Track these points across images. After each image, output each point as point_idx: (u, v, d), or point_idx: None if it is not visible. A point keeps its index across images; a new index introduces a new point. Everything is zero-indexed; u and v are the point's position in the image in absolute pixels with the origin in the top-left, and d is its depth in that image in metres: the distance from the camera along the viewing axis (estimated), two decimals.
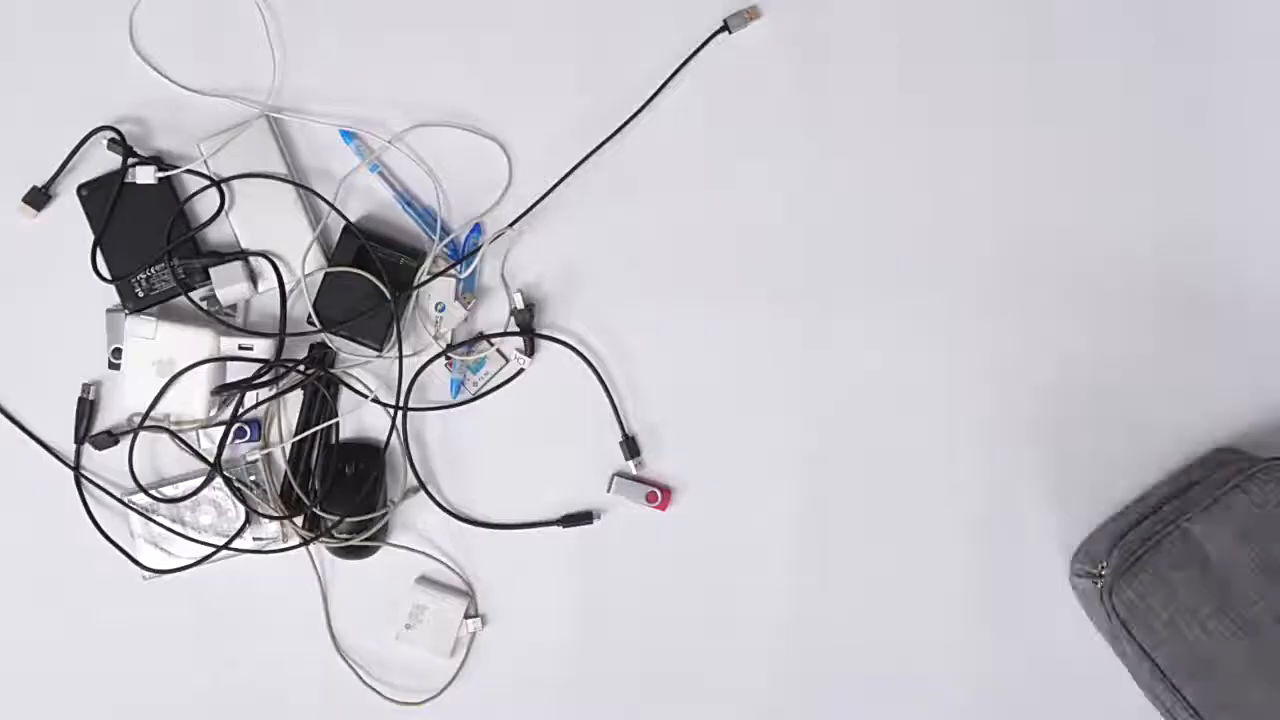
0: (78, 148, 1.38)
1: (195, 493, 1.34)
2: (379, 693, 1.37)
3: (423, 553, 1.38)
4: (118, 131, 1.37)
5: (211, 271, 1.35)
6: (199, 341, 1.34)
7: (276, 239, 1.37)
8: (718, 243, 1.37)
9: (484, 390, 1.37)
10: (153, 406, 1.32)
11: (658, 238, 1.38)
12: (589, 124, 1.38)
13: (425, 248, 1.38)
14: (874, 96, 1.37)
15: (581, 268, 1.38)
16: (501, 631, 1.38)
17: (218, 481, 1.36)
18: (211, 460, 1.32)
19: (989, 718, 1.36)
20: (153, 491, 1.35)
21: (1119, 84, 1.37)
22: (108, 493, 1.38)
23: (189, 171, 1.38)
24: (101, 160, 1.38)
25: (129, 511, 1.36)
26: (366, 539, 1.35)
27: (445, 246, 1.37)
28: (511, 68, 1.38)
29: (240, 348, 1.34)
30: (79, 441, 1.37)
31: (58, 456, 1.38)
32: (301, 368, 1.35)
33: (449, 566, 1.39)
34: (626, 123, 1.37)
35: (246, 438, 1.37)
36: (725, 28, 1.37)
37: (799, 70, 1.38)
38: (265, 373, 1.33)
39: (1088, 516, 1.35)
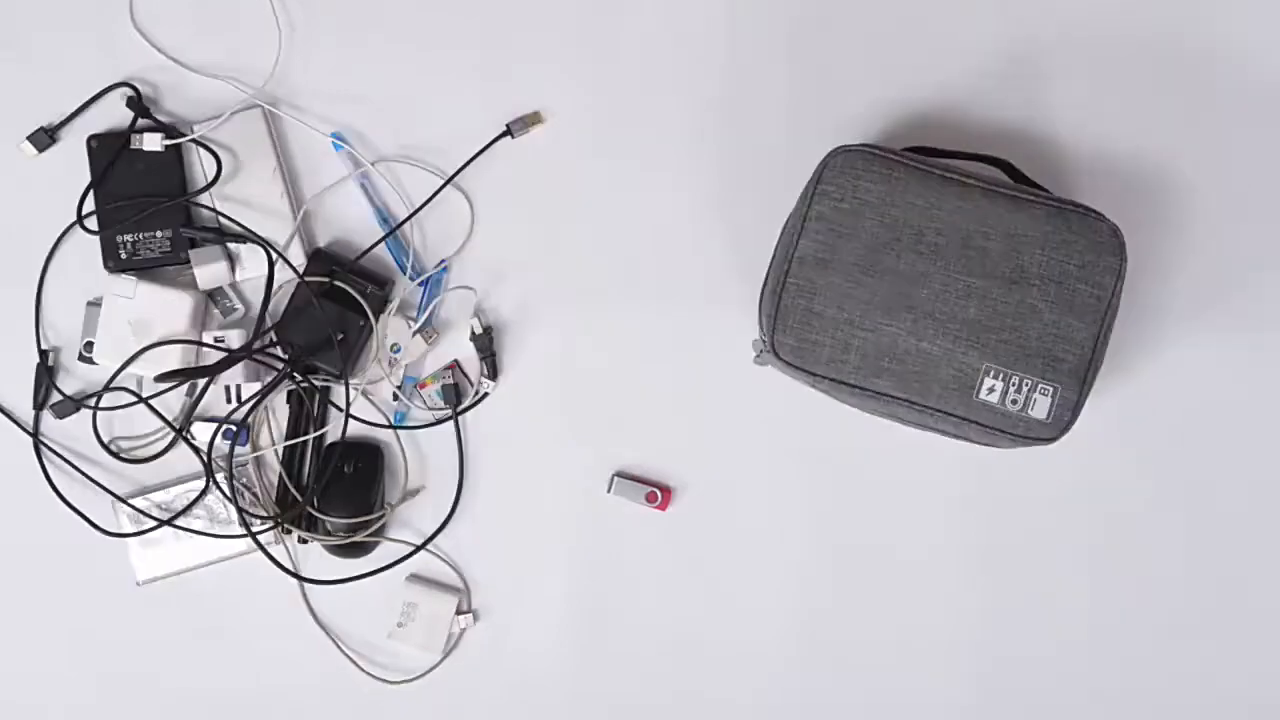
0: (95, 98, 1.37)
1: (192, 505, 1.34)
2: (373, 675, 1.37)
3: (410, 544, 1.36)
4: (136, 90, 1.36)
5: (191, 252, 1.33)
6: (179, 305, 1.32)
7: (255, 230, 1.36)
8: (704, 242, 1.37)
9: (450, 415, 1.36)
10: (119, 372, 1.31)
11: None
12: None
13: (394, 276, 1.37)
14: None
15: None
16: (497, 630, 1.37)
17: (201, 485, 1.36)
18: (178, 426, 1.32)
19: (997, 707, 1.36)
20: (123, 454, 1.35)
21: None
22: (71, 464, 1.37)
23: (195, 143, 1.36)
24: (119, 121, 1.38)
25: (119, 511, 1.36)
26: (363, 538, 1.35)
27: (411, 282, 1.37)
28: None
29: (215, 339, 1.33)
30: (37, 408, 1.36)
31: (16, 423, 1.37)
32: (281, 366, 1.34)
33: (445, 561, 1.37)
34: (429, 199, 1.37)
35: (237, 440, 1.35)
36: (508, 132, 1.37)
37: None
38: (225, 365, 1.30)
39: None
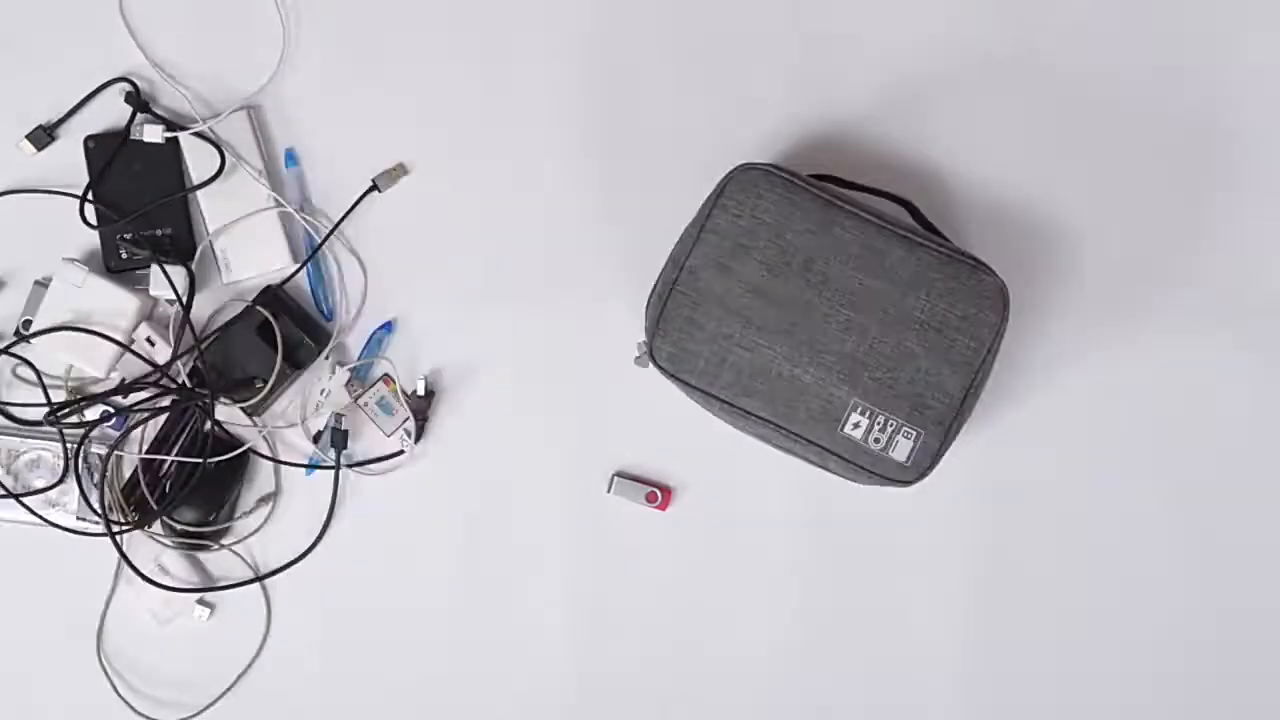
0: (95, 93, 1.36)
1: (55, 484, 1.33)
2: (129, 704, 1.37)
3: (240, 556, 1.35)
4: (134, 85, 1.34)
5: (154, 268, 1.32)
6: (125, 306, 1.31)
7: (241, 236, 1.35)
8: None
9: (362, 462, 1.36)
10: (22, 340, 1.31)
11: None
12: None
13: (332, 330, 1.37)
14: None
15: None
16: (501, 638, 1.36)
17: (58, 449, 1.35)
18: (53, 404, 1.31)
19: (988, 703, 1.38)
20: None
21: None
22: None
23: (197, 136, 1.34)
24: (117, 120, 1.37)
25: None
26: (202, 537, 1.34)
27: (337, 336, 1.37)
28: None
29: (148, 339, 1.32)
30: None
31: None
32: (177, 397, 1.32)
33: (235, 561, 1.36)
34: (309, 259, 1.36)
35: (112, 423, 1.34)
36: (375, 187, 1.36)
37: None
38: (127, 391, 1.30)
39: None
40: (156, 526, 1.34)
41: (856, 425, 1.21)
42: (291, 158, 1.36)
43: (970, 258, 1.22)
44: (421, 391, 1.35)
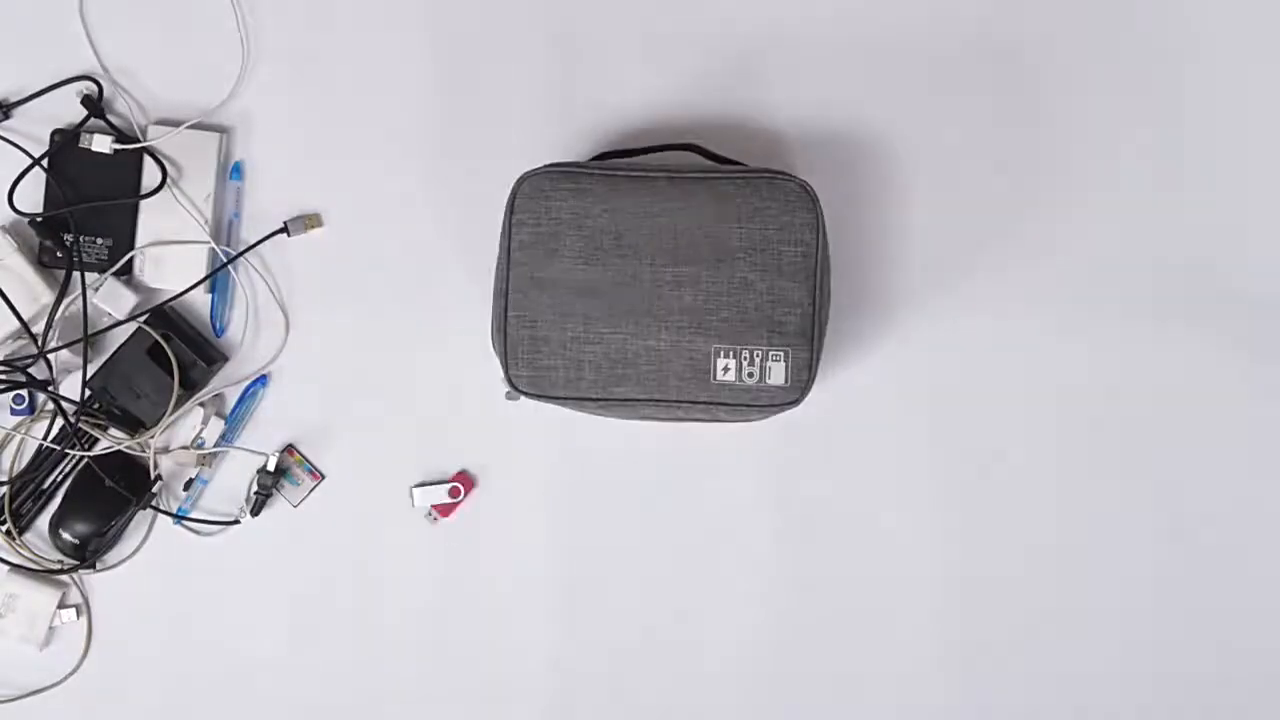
0: (52, 87, 1.36)
1: None
2: None
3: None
4: (99, 85, 1.36)
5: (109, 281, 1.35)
6: (33, 292, 1.33)
7: (167, 253, 1.37)
8: None
9: (194, 517, 1.37)
10: None
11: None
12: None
13: (229, 352, 1.38)
14: None
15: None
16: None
17: None
18: None
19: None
20: None
21: None
22: None
23: (145, 151, 1.35)
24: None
25: None
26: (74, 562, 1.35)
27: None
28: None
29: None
30: None
31: None
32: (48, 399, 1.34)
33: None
34: (215, 271, 1.38)
35: (23, 406, 1.36)
36: (284, 229, 1.38)
37: None
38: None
39: None
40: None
41: (726, 369, 1.21)
42: (238, 171, 1.38)
43: (766, 170, 1.22)
44: (271, 467, 1.36)
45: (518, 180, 1.23)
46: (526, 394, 1.23)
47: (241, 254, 1.37)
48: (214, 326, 1.37)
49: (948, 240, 1.38)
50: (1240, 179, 1.38)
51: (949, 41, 1.38)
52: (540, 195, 1.23)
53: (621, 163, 1.24)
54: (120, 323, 1.35)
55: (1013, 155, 1.38)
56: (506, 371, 1.23)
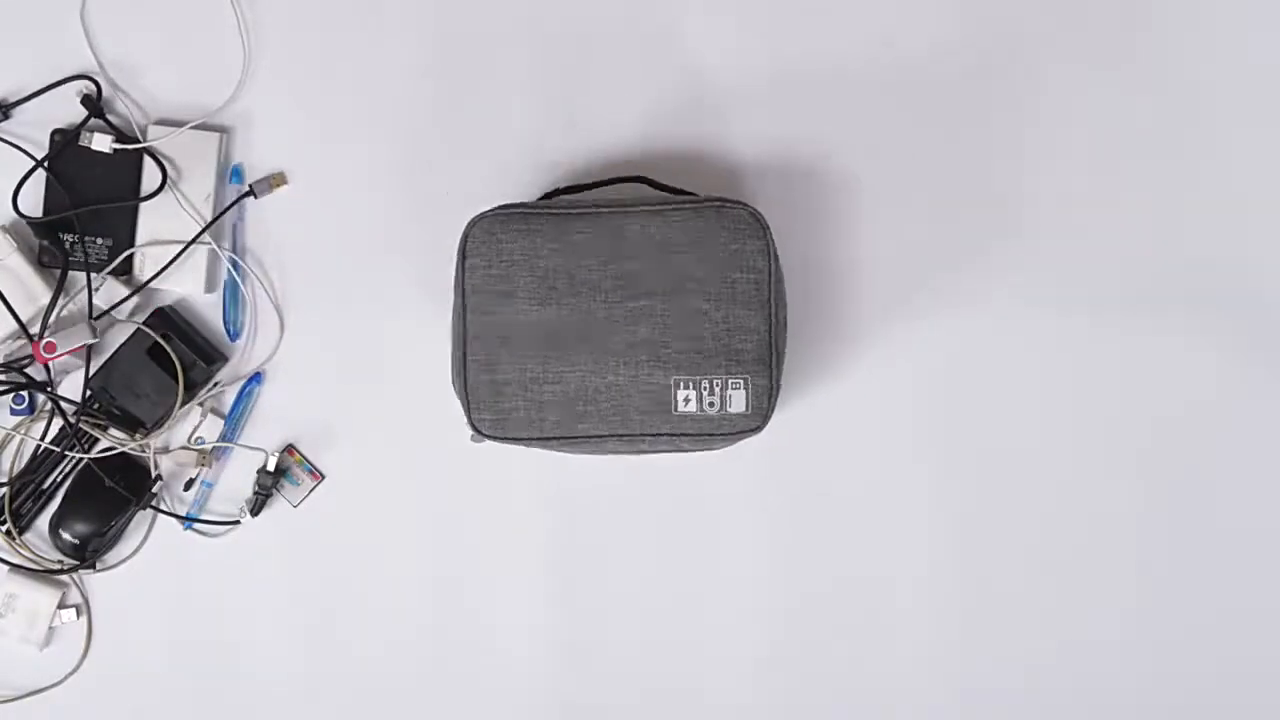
0: (51, 86, 1.36)
1: None
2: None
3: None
4: (97, 85, 1.36)
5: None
6: (31, 289, 1.33)
7: (166, 253, 1.37)
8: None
9: (199, 519, 1.37)
10: None
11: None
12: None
13: (228, 354, 1.38)
14: None
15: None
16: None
17: None
18: None
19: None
20: None
21: None
22: None
23: (144, 151, 1.35)
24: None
25: None
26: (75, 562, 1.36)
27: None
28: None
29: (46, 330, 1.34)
30: None
31: None
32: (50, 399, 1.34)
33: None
34: (185, 247, 1.37)
35: (23, 406, 1.36)
36: (251, 192, 1.37)
37: None
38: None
39: None
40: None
41: (687, 400, 1.21)
42: (238, 173, 1.38)
43: (715, 200, 1.22)
44: (271, 467, 1.36)
45: (469, 223, 1.23)
46: (490, 437, 1.22)
47: (211, 224, 1.35)
48: (227, 330, 1.37)
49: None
50: (1227, 179, 1.38)
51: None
52: (491, 239, 1.22)
53: (572, 199, 1.24)
54: (107, 314, 1.35)
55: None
56: (469, 416, 1.23)
